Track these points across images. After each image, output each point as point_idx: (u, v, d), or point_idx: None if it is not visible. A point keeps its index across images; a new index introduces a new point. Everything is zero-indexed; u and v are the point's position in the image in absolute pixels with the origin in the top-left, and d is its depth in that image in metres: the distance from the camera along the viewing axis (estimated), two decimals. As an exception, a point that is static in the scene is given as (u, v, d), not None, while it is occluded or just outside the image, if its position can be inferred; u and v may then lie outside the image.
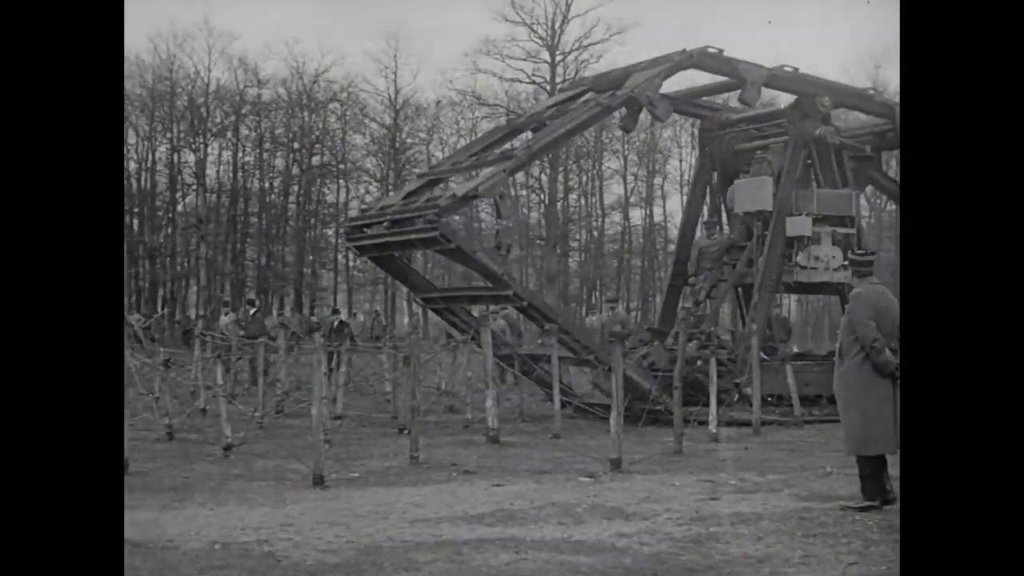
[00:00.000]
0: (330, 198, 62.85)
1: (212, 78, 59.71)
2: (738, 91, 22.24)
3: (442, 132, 62.00)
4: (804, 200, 21.64)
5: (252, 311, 32.43)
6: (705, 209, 24.94)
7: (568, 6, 58.41)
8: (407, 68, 79.09)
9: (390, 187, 60.44)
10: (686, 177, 60.67)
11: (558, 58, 58.15)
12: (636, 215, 66.26)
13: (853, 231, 22.05)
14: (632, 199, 65.48)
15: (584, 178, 63.90)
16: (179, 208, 60.40)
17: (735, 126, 23.84)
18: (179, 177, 59.43)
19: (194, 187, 59.05)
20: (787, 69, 21.90)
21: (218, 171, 60.73)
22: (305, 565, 8.94)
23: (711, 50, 21.35)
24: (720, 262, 22.88)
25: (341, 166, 61.49)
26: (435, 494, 12.25)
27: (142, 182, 59.62)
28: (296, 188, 61.62)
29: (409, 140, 60.85)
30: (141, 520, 10.70)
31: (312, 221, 61.96)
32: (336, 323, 31.89)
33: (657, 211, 66.58)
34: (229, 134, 60.38)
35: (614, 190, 64.36)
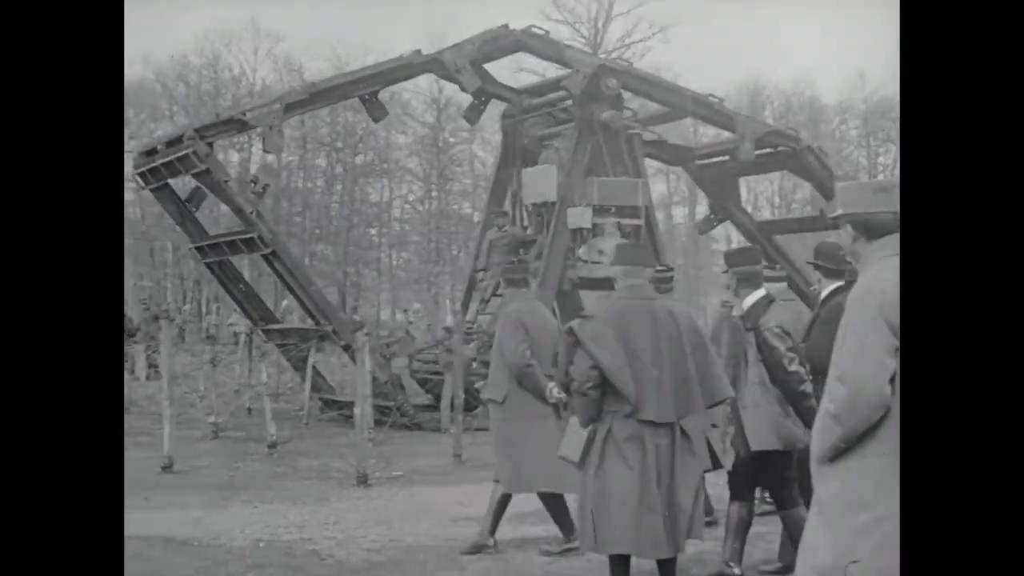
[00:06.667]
0: (373, 197, 62.97)
1: (258, 78, 59.99)
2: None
3: (484, 131, 62.00)
4: (585, 189, 20.42)
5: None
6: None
7: (611, 5, 58.34)
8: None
9: (433, 186, 60.46)
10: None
11: (601, 56, 58.09)
12: (679, 213, 66.09)
13: (640, 222, 20.69)
14: (675, 198, 65.29)
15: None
16: (223, 207, 60.67)
17: (537, 111, 22.35)
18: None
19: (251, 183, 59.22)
20: None
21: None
22: (349, 564, 8.99)
23: (536, 30, 20.24)
24: (511, 256, 21.24)
25: (384, 165, 61.60)
26: (479, 493, 12.23)
27: (186, 182, 59.96)
28: (339, 187, 61.79)
29: (452, 139, 60.80)
30: (187, 518, 10.79)
31: (355, 220, 62.12)
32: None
33: (700, 209, 66.22)
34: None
35: (657, 188, 64.09)
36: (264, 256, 19.31)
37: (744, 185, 58.97)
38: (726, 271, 8.19)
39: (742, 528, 8.09)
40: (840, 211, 4.74)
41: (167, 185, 20.20)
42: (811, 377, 7.72)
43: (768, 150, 22.36)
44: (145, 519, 10.70)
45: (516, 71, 49.40)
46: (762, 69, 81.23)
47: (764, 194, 62.02)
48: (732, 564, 8.09)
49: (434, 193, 60.78)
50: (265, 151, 20.53)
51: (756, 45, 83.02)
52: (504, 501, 9.46)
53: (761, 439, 7.80)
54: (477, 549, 9.30)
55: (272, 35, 61.94)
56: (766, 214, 54.94)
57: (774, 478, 7.98)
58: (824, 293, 8.36)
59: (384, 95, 56.22)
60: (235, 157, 58.25)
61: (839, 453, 4.53)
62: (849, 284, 9.31)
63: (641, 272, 7.49)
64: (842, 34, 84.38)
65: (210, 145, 18.64)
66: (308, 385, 19.58)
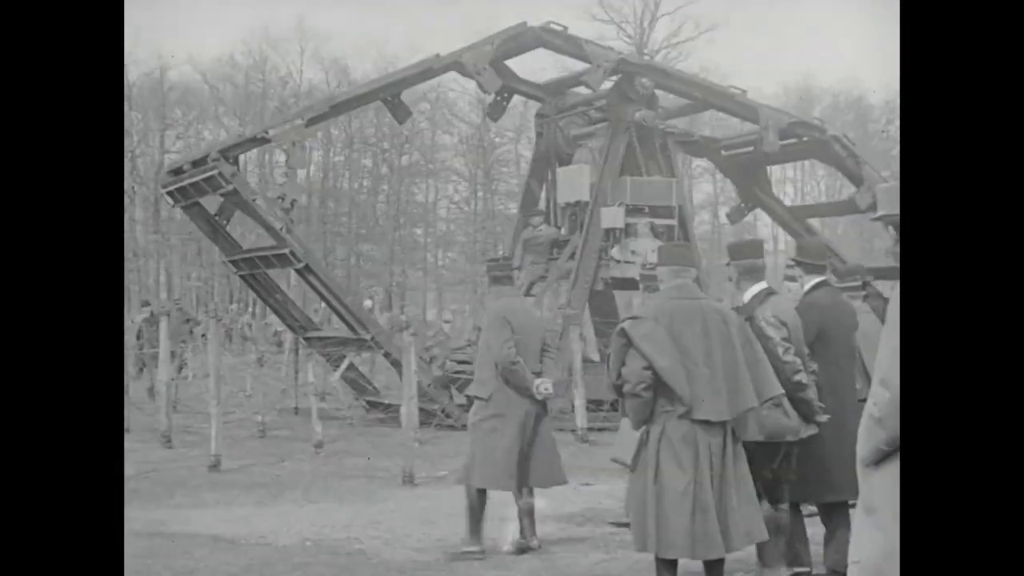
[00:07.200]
0: (419, 198, 63.13)
1: (304, 79, 60.19)
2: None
3: (530, 131, 61.92)
4: (618, 189, 20.40)
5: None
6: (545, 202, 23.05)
7: (657, 4, 58.14)
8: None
9: (478, 186, 60.54)
10: (776, 175, 60.02)
11: (646, 56, 57.90)
12: (724, 212, 65.82)
13: (674, 222, 20.56)
14: (721, 198, 65.03)
15: (674, 176, 63.52)
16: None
17: (571, 110, 22.19)
18: (271, 177, 59.99)
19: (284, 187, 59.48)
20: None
21: (308, 171, 61.21)
22: (395, 563, 9.00)
23: (554, 26, 20.06)
24: (545, 256, 21.47)
25: (430, 166, 61.72)
26: (524, 493, 12.24)
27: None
28: (385, 188, 61.96)
29: (497, 139, 60.83)
30: (235, 517, 10.84)
31: (401, 220, 62.30)
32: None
33: (747, 209, 66.00)
34: (320, 134, 60.84)
35: (703, 188, 63.96)
36: (297, 270, 19.39)
37: (792, 186, 58.60)
38: (728, 263, 8.10)
39: (771, 530, 7.84)
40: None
41: (197, 202, 20.28)
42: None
43: (793, 140, 22.26)
44: (193, 517, 10.76)
45: (562, 71, 49.42)
46: (810, 69, 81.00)
47: (811, 193, 61.65)
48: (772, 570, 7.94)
49: (480, 193, 60.86)
50: (289, 167, 20.59)
51: (803, 45, 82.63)
52: (527, 503, 9.39)
53: (744, 429, 7.60)
54: (522, 550, 9.28)
55: (319, 36, 62.36)
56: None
57: (754, 471, 7.72)
58: (805, 288, 8.29)
59: (431, 96, 55.74)
60: (281, 157, 58.40)
61: (883, 456, 4.49)
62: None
63: (687, 272, 7.46)
64: (889, 34, 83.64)
65: (236, 163, 18.78)
66: (336, 379, 19.66)
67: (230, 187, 18.42)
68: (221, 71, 58.97)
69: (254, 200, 18.80)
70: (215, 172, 18.27)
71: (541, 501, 9.58)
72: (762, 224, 58.51)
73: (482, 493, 9.24)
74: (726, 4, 79.56)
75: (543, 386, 9.24)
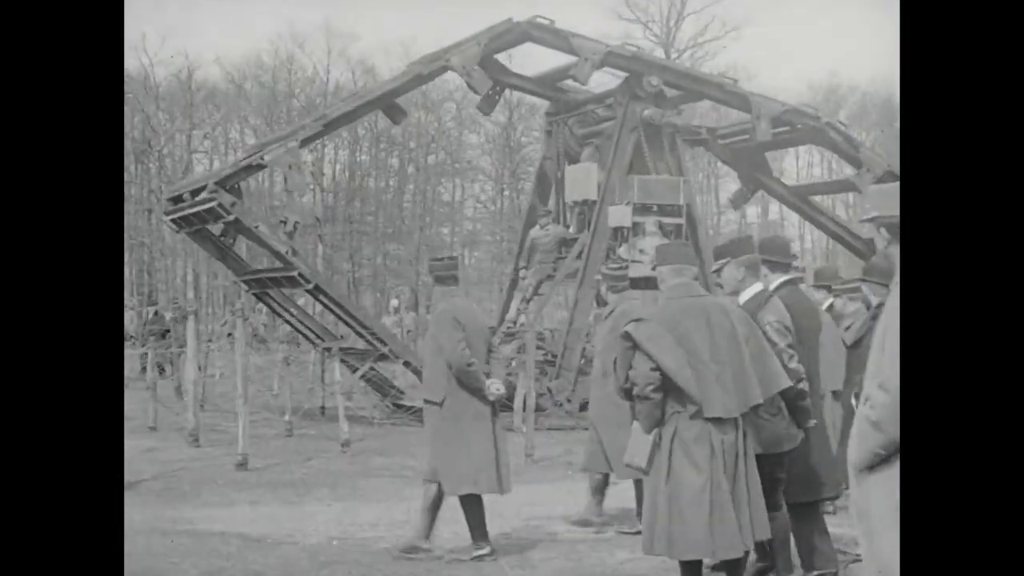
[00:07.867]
0: (445, 197, 63.16)
1: (331, 79, 60.23)
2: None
3: (556, 131, 61.92)
4: (625, 188, 20.53)
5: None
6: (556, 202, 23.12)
7: (683, 3, 58.01)
8: (522, 67, 78.12)
9: (504, 186, 60.53)
10: (803, 174, 59.90)
11: (673, 56, 57.74)
12: (752, 212, 65.59)
13: (681, 221, 20.67)
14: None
15: (700, 175, 63.38)
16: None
17: (580, 109, 22.48)
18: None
19: (311, 187, 59.60)
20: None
21: (334, 171, 61.31)
22: (422, 562, 9.01)
23: (540, 20, 19.95)
24: (553, 255, 21.61)
25: (456, 165, 61.69)
26: (550, 492, 12.24)
27: (260, 182, 60.36)
28: (411, 187, 61.99)
29: (524, 139, 60.77)
30: (262, 515, 10.88)
31: (427, 220, 62.34)
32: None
33: (773, 208, 65.84)
34: (345, 133, 60.92)
35: (730, 188, 63.68)
36: (308, 291, 19.44)
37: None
38: (717, 270, 7.93)
39: (785, 533, 7.74)
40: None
41: (201, 227, 20.28)
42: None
43: (787, 128, 22.23)
44: (220, 516, 10.80)
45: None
46: (837, 68, 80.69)
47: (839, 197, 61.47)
48: None
49: (506, 192, 60.83)
50: (287, 191, 20.56)
51: (830, 44, 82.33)
52: (438, 502, 9.28)
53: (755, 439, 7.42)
54: (412, 551, 9.14)
55: (346, 35, 62.28)
56: (840, 212, 54.46)
57: (773, 479, 7.54)
58: (772, 287, 8.08)
59: (457, 95, 55.45)
60: (307, 157, 58.57)
61: (879, 460, 4.45)
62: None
63: (688, 270, 7.43)
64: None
65: (237, 190, 18.79)
66: (353, 383, 19.73)
67: (231, 217, 18.46)
68: (248, 71, 59.11)
69: (256, 227, 18.84)
70: (215, 203, 18.33)
71: (571, 499, 9.57)
72: (789, 224, 58.39)
73: (473, 496, 9.20)
74: (753, 3, 79.44)
75: (495, 387, 9.17)
